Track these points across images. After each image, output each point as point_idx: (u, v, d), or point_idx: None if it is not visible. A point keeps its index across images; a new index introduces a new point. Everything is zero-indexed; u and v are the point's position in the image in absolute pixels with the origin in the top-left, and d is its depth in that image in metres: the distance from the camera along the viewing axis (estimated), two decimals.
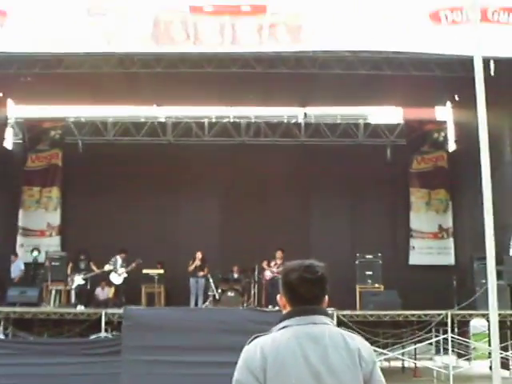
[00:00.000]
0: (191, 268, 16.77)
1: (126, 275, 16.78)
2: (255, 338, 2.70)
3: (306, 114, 20.59)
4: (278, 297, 2.82)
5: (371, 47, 14.60)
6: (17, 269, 17.86)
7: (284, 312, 2.77)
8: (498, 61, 13.00)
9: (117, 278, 16.78)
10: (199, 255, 16.81)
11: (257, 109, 20.79)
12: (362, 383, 2.64)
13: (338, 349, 2.63)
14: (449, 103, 19.90)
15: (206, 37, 14.51)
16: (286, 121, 20.88)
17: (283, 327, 2.69)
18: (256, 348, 2.63)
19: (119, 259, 16.86)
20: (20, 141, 20.86)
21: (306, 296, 2.71)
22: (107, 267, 16.29)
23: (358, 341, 2.73)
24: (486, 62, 10.39)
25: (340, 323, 13.13)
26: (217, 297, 15.99)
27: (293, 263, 2.81)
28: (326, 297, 2.80)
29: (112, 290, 17.05)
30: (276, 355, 2.58)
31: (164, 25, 14.46)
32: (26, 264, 18.34)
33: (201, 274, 16.69)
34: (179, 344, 10.39)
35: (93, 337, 14.14)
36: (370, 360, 2.70)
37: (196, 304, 16.34)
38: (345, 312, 14.17)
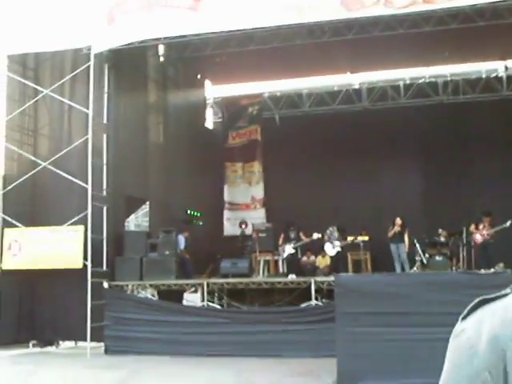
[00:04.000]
0: (391, 234, 16.42)
1: (339, 249, 16.92)
2: (475, 307, 1.17)
3: (506, 67, 19.46)
4: None
5: None
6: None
7: None
8: None
9: (331, 250, 16.97)
10: (398, 221, 16.40)
11: (453, 66, 19.94)
12: None
13: None
14: None
15: None
16: (485, 76, 19.83)
17: None
18: (481, 331, 1.14)
19: (335, 232, 17.02)
20: (220, 119, 21.70)
21: None
22: (315, 236, 16.45)
23: None
24: None
25: None
26: (424, 262, 15.66)
27: None
28: None
29: (319, 258, 17.30)
30: None
31: None
32: (234, 237, 19.26)
33: (401, 239, 16.27)
34: (391, 310, 10.27)
35: (303, 305, 14.44)
36: None
37: (402, 270, 16.07)
38: None
